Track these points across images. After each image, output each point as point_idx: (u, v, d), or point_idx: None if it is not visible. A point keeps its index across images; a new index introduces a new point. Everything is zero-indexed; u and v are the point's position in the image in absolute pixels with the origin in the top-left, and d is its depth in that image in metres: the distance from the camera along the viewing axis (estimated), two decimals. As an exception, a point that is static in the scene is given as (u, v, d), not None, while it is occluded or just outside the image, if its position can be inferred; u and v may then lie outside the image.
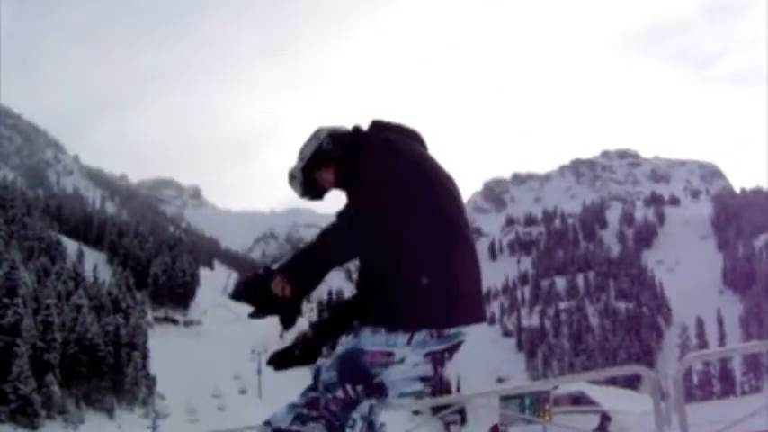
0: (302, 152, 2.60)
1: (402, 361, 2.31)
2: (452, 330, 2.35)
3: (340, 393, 2.33)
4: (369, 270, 2.44)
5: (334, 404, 2.34)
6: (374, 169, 2.38)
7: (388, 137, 2.50)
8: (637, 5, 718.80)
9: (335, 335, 2.55)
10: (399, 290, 2.30)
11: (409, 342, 2.30)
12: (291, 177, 2.61)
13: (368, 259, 2.43)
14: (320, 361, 2.54)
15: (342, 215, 2.37)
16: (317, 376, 2.49)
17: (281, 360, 2.60)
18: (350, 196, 2.48)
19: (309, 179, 2.59)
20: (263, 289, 2.32)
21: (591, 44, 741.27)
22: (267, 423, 2.47)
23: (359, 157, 2.43)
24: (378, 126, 2.61)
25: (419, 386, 2.38)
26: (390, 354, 2.30)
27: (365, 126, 2.64)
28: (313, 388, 2.45)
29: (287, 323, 2.39)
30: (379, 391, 2.34)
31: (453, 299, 2.32)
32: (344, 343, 2.43)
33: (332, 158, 2.54)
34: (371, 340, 2.33)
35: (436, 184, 2.43)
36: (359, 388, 2.32)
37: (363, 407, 2.36)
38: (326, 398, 2.35)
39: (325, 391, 2.35)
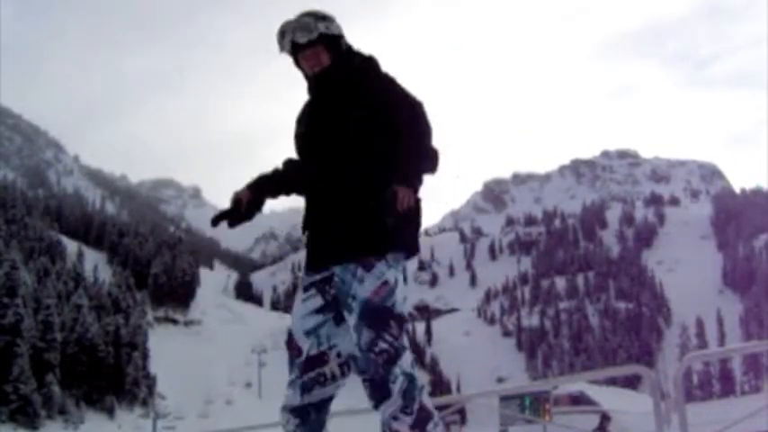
0: (328, 22, 2.64)
1: (396, 282, 2.48)
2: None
3: (382, 344, 2.41)
4: (357, 171, 2.52)
5: (380, 359, 2.40)
6: (403, 92, 2.61)
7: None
8: (635, 7, 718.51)
9: (272, 194, 2.75)
10: (368, 222, 2.45)
11: (388, 265, 2.47)
12: (307, 27, 2.60)
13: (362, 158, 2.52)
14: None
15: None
16: (291, 342, 2.61)
17: (225, 217, 2.75)
18: (344, 101, 2.59)
19: (313, 44, 2.63)
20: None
21: (591, 45, 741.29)
22: (283, 407, 2.61)
23: (380, 74, 2.67)
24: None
25: (409, 304, 2.59)
26: (386, 282, 2.45)
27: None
28: (297, 355, 2.57)
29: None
30: (402, 319, 2.47)
31: (412, 222, 2.51)
32: (351, 312, 2.48)
33: (338, 54, 2.65)
34: (365, 288, 2.45)
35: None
36: (393, 327, 2.43)
37: (405, 359, 2.43)
38: (370, 358, 2.41)
39: (368, 351, 2.41)
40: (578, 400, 41.34)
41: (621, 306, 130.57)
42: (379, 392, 2.42)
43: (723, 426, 4.16)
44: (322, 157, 2.60)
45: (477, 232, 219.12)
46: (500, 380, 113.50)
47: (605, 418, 13.11)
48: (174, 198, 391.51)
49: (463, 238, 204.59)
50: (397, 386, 2.39)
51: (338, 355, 2.56)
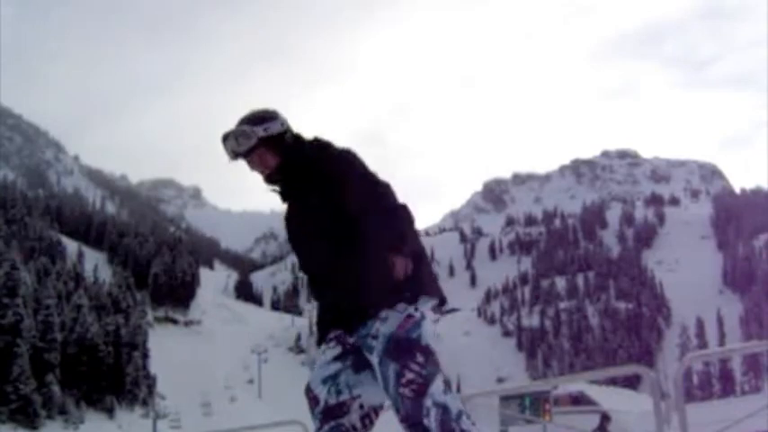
0: (266, 123, 2.70)
1: (423, 317, 2.43)
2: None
3: (410, 375, 2.33)
4: (338, 253, 2.54)
5: (410, 390, 2.32)
6: (356, 166, 2.63)
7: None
8: (634, 8, 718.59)
9: None
10: (382, 276, 2.43)
11: (413, 304, 2.44)
12: (244, 134, 2.68)
13: (337, 242, 2.55)
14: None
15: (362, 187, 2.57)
16: (308, 393, 2.56)
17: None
18: (305, 189, 2.66)
19: (254, 149, 2.70)
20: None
21: (591, 45, 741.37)
22: None
23: (317, 157, 2.67)
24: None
25: (437, 341, 2.50)
26: (411, 316, 2.41)
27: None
28: (315, 405, 2.53)
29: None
30: (429, 351, 2.40)
31: (425, 274, 2.55)
32: (373, 351, 2.44)
33: (284, 152, 2.70)
34: (391, 324, 2.40)
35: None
36: (418, 358, 2.35)
37: (436, 388, 2.34)
38: (400, 392, 2.33)
39: (397, 384, 2.33)
40: (578, 400, 41.34)
41: (621, 306, 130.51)
42: (411, 421, 2.32)
43: (723, 426, 4.16)
44: (306, 249, 2.67)
45: (477, 232, 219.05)
46: (500, 380, 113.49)
47: (605, 418, 13.08)
48: (174, 198, 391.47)
49: (463, 238, 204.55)
50: (432, 420, 2.30)
51: (360, 406, 2.49)
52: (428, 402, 2.31)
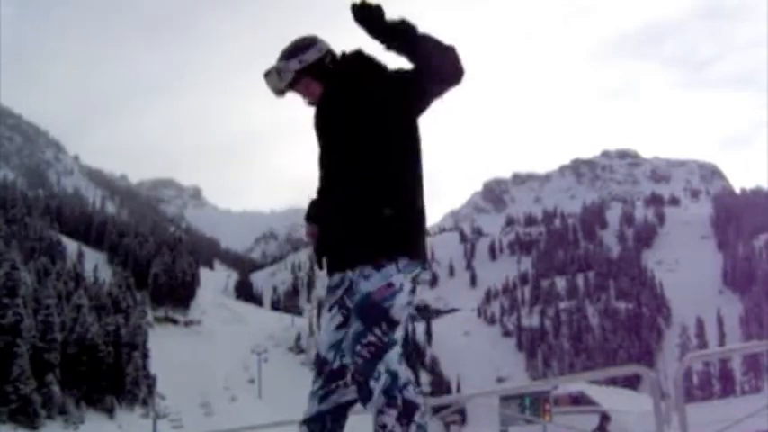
0: (303, 54, 2.67)
1: (401, 288, 2.50)
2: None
3: (370, 337, 2.45)
4: (367, 170, 2.54)
5: (366, 351, 2.44)
6: (390, 74, 2.66)
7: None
8: (634, 8, 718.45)
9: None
10: (370, 221, 2.49)
11: (398, 269, 2.50)
12: (279, 71, 2.67)
13: (372, 153, 2.56)
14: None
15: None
16: (317, 359, 2.69)
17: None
18: (345, 104, 2.62)
19: (295, 80, 2.70)
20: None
21: (591, 45, 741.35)
22: (301, 422, 2.70)
23: (364, 74, 2.64)
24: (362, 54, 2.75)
25: (410, 310, 2.58)
26: (390, 284, 2.48)
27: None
28: (321, 369, 2.65)
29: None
30: (395, 323, 2.49)
31: (416, 228, 2.57)
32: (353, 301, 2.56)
33: (328, 77, 2.68)
34: (369, 284, 2.48)
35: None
36: (383, 326, 2.45)
37: (392, 356, 2.46)
38: (356, 350, 2.46)
39: (355, 343, 2.46)
40: (578, 400, 41.36)
41: (621, 306, 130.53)
42: (362, 392, 2.47)
43: (723, 426, 4.16)
44: (337, 155, 2.65)
45: (477, 232, 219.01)
46: (500, 380, 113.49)
47: (605, 417, 13.09)
48: (174, 198, 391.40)
49: (463, 238, 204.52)
50: (379, 384, 2.43)
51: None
52: (381, 367, 2.43)
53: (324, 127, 2.70)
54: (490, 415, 36.85)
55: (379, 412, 2.43)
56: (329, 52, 2.71)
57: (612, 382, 51.40)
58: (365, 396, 2.46)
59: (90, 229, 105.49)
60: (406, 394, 2.44)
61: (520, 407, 32.18)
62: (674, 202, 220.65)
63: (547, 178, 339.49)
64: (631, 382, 61.93)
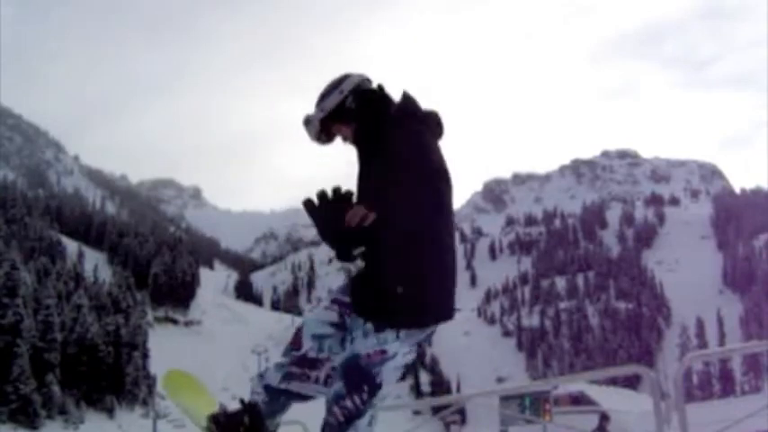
0: (323, 101, 2.67)
1: (394, 356, 2.48)
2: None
3: (348, 403, 2.46)
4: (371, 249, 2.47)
5: (341, 414, 2.46)
6: (404, 151, 2.47)
7: (417, 119, 2.60)
8: (634, 8, 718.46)
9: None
10: (382, 291, 2.43)
11: (397, 337, 2.47)
12: (307, 122, 2.69)
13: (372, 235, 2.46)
14: (314, 322, 2.69)
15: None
16: (297, 334, 2.71)
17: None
18: (366, 160, 2.59)
19: (325, 128, 2.69)
20: (335, 213, 2.37)
21: (591, 45, 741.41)
22: (260, 376, 2.77)
23: (387, 129, 2.54)
24: (406, 103, 2.65)
25: (400, 372, 2.56)
26: (384, 351, 2.46)
27: (390, 89, 2.72)
28: (296, 348, 2.68)
29: (346, 255, 2.45)
30: (378, 388, 2.49)
31: (425, 305, 2.50)
32: (344, 350, 2.56)
33: (353, 117, 2.65)
34: (364, 344, 2.47)
35: (438, 190, 2.54)
36: (365, 391, 2.46)
37: (363, 422, 2.49)
38: (333, 409, 2.48)
39: (334, 402, 2.48)
40: (578, 400, 41.41)
41: (621, 306, 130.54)
42: None
43: (723, 426, 4.16)
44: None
45: (478, 232, 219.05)
46: (500, 380, 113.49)
47: (604, 417, 13.08)
48: (174, 198, 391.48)
49: (463, 238, 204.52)
50: None
51: (332, 368, 2.63)
52: (350, 431, 2.47)
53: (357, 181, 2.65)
54: (490, 415, 36.89)
55: None
56: (354, 91, 2.65)
57: (612, 382, 51.45)
58: None
59: (90, 229, 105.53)
60: None
61: (520, 407, 32.19)
62: (674, 202, 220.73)
63: (547, 178, 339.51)
64: (631, 382, 61.99)
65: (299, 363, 2.67)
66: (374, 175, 2.51)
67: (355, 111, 2.64)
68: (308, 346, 2.66)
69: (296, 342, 2.70)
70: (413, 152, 2.49)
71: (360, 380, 2.45)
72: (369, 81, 2.72)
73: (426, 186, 2.49)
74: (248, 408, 2.75)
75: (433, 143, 2.62)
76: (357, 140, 2.64)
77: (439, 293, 2.56)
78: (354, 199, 2.43)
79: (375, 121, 2.60)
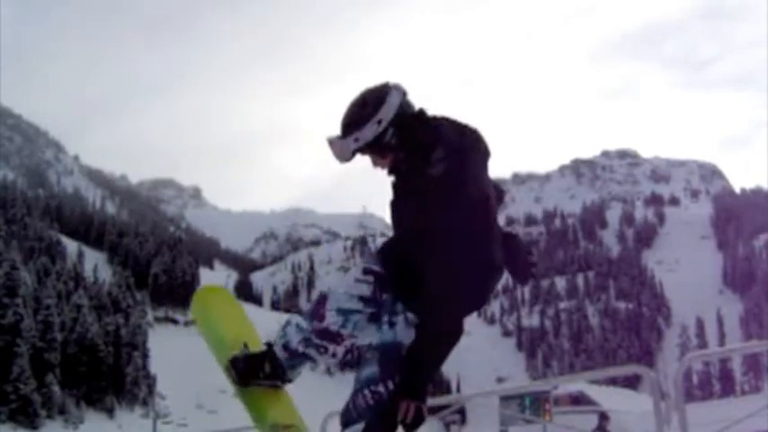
0: (358, 130, 2.45)
1: None
2: None
3: (381, 388, 2.45)
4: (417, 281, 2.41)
5: (371, 398, 2.46)
6: (450, 186, 2.37)
7: (461, 148, 2.47)
8: (634, 9, 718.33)
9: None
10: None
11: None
12: (333, 144, 2.49)
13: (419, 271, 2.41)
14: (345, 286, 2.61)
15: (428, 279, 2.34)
16: (320, 304, 2.60)
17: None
18: (405, 192, 2.47)
19: (356, 153, 2.51)
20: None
21: (591, 45, 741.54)
22: (284, 330, 2.69)
23: (431, 164, 2.39)
24: (454, 128, 2.51)
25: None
26: None
27: (429, 111, 2.56)
28: (317, 319, 2.59)
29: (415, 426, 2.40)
30: None
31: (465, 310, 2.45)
32: (382, 334, 2.53)
33: (391, 151, 2.47)
34: (408, 333, 2.44)
35: (485, 221, 2.45)
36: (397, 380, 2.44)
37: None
38: (364, 392, 2.47)
39: (366, 385, 2.47)
40: (578, 400, 41.36)
41: (621, 306, 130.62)
42: (346, 417, 2.52)
43: (723, 426, 4.16)
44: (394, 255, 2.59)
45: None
46: (500, 380, 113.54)
47: (604, 417, 13.08)
48: (174, 198, 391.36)
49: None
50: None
51: (352, 345, 2.62)
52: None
53: (393, 222, 2.57)
54: (490, 415, 36.88)
55: None
56: (394, 123, 2.45)
57: (612, 382, 51.42)
58: (348, 422, 2.51)
59: (90, 229, 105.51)
60: None
61: (520, 407, 32.22)
62: (674, 202, 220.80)
63: (547, 178, 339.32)
64: (631, 382, 61.98)
65: (320, 334, 2.59)
66: (417, 211, 2.40)
67: (395, 146, 2.46)
68: (331, 320, 2.57)
69: (318, 313, 2.60)
70: (459, 186, 2.39)
71: (397, 368, 2.43)
72: (406, 99, 2.50)
73: (473, 218, 2.40)
74: (270, 355, 2.72)
75: (479, 171, 2.53)
76: (395, 172, 2.51)
77: (473, 308, 2.52)
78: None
79: (418, 164, 2.43)
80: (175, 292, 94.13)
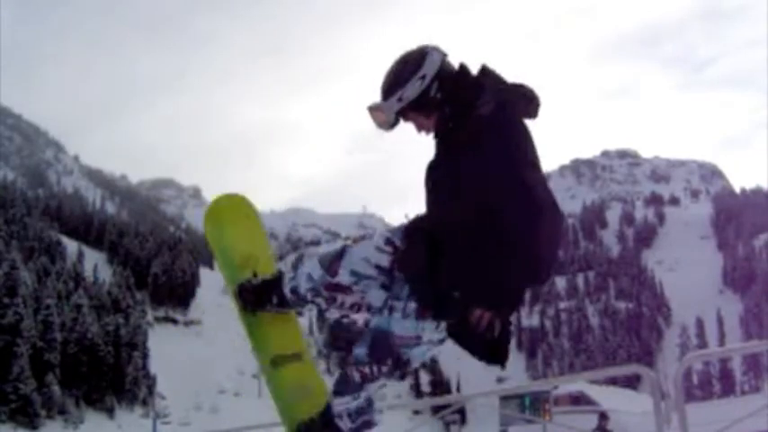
0: (401, 89, 2.36)
1: (426, 343, 2.48)
2: None
3: (367, 369, 2.50)
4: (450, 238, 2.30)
5: (359, 376, 2.51)
6: (502, 147, 2.28)
7: (511, 105, 2.38)
8: (633, 9, 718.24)
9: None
10: (436, 291, 2.33)
11: (437, 327, 2.44)
12: (376, 109, 2.40)
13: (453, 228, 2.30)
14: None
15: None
16: (336, 259, 2.57)
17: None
18: (453, 154, 2.34)
19: (398, 116, 2.44)
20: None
21: (590, 46, 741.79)
22: (294, 272, 2.70)
23: (480, 120, 2.29)
24: (496, 86, 2.40)
25: (433, 353, 2.57)
26: (419, 337, 2.45)
27: (471, 67, 2.48)
28: (330, 273, 2.57)
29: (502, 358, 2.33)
30: (405, 365, 2.51)
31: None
32: (379, 317, 2.54)
33: (437, 108, 2.38)
34: (402, 325, 2.44)
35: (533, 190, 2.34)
36: (387, 364, 2.49)
37: (374, 386, 2.55)
38: (352, 369, 2.52)
39: (355, 363, 2.52)
40: (578, 399, 41.33)
41: (621, 306, 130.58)
42: (339, 386, 2.58)
43: (723, 426, 4.16)
44: (433, 206, 2.42)
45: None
46: (500, 380, 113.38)
47: (603, 417, 13.07)
48: (174, 198, 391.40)
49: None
50: (354, 403, 2.55)
51: (360, 299, 2.60)
52: (362, 393, 2.54)
53: (429, 188, 2.43)
54: (490, 415, 36.91)
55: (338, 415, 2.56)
56: (438, 77, 2.37)
57: (612, 382, 51.39)
58: (338, 392, 2.57)
59: (90, 229, 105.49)
60: (371, 416, 2.58)
61: (520, 407, 32.21)
62: (674, 201, 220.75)
63: (547, 178, 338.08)
64: (631, 382, 61.92)
65: (329, 287, 2.59)
66: (469, 172, 2.28)
67: (441, 101, 2.37)
68: (343, 278, 2.55)
69: (332, 268, 2.57)
70: (512, 121, 2.33)
71: (384, 355, 2.46)
72: (447, 58, 2.44)
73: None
74: (278, 287, 2.74)
75: (527, 133, 2.44)
76: (441, 133, 2.40)
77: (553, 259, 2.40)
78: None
79: (465, 112, 2.33)
80: (175, 292, 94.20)
